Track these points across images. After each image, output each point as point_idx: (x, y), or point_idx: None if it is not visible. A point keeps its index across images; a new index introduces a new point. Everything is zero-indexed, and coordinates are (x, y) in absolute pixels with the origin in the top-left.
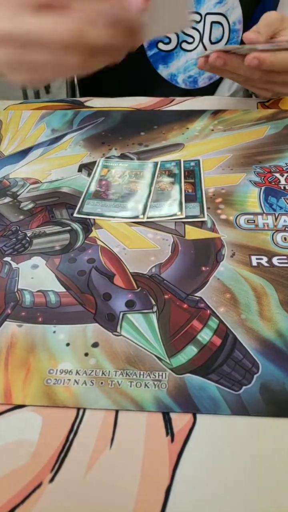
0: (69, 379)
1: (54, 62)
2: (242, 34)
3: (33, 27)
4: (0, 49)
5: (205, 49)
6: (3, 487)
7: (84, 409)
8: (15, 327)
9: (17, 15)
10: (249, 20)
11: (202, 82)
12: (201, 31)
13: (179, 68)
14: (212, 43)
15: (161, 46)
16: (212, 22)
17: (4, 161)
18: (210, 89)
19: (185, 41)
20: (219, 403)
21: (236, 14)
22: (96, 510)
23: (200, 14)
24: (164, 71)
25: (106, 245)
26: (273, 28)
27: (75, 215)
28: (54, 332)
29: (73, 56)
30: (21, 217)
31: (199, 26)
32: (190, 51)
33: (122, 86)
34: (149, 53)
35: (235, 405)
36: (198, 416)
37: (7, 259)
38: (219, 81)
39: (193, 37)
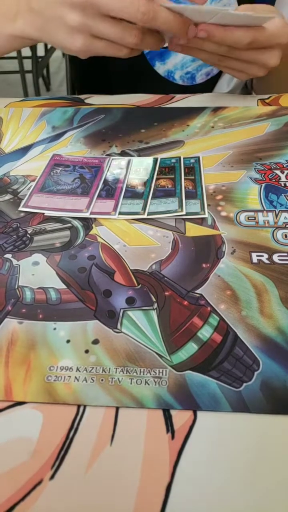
0: (70, 376)
1: (117, 37)
2: None
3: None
4: (75, 12)
5: None
6: (4, 484)
7: (85, 406)
8: (15, 324)
9: None
10: None
11: (200, 78)
12: None
13: (176, 65)
14: None
15: None
16: None
17: (4, 158)
18: (208, 85)
19: None
20: (220, 400)
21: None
22: (97, 507)
23: None
24: (160, 68)
25: (107, 242)
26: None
27: (77, 214)
28: (55, 329)
29: (131, 35)
30: (22, 214)
31: None
32: None
33: (118, 83)
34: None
35: (235, 402)
36: (199, 413)
37: (8, 256)
38: (218, 76)
39: None
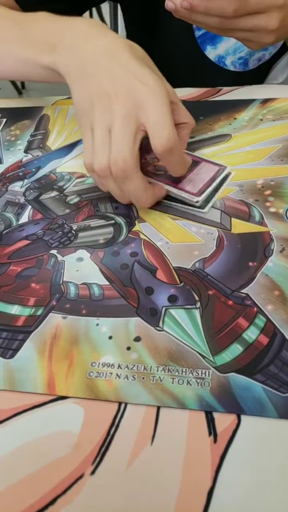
0: (111, 373)
1: None
2: None
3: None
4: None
5: None
6: (46, 476)
7: (126, 404)
8: (60, 319)
9: None
10: None
11: (252, 63)
12: None
13: (228, 49)
14: None
15: None
16: None
17: (51, 156)
18: (262, 71)
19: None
20: (265, 405)
21: None
22: (136, 506)
23: None
24: (211, 53)
25: (149, 239)
26: None
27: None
28: (97, 324)
29: None
30: (67, 210)
31: None
32: None
33: (169, 70)
34: (197, 33)
35: (282, 408)
36: (243, 417)
37: (53, 252)
38: (272, 62)
39: None
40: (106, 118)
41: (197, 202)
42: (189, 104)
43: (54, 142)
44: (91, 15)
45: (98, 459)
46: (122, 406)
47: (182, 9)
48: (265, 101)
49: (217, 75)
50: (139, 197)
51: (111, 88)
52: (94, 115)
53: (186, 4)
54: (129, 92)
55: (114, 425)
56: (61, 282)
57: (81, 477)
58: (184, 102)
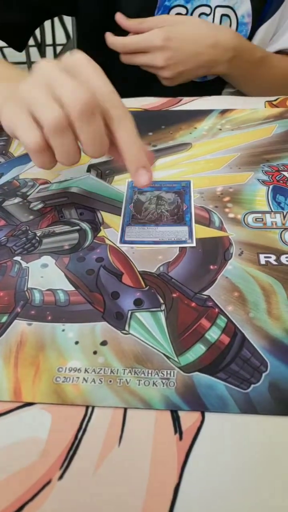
0: (78, 377)
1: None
2: (251, 28)
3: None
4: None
5: None
6: (13, 484)
7: (93, 407)
8: (24, 325)
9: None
10: (258, 13)
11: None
12: None
13: None
14: None
15: None
16: (222, 15)
17: (14, 162)
18: (221, 81)
19: None
20: (228, 402)
21: (244, 7)
22: (105, 507)
23: (210, 7)
24: None
25: (115, 244)
26: (148, 24)
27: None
28: (63, 330)
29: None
30: (31, 217)
31: (209, 19)
32: None
33: (130, 79)
34: None
35: (243, 404)
36: (207, 414)
37: (17, 258)
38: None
39: None
40: (40, 89)
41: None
42: (150, 113)
43: (17, 148)
44: (53, 26)
45: (65, 463)
46: (90, 409)
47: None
48: (224, 112)
49: (178, 85)
50: (103, 136)
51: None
52: (24, 97)
53: (111, 39)
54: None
55: (82, 429)
56: (25, 289)
57: (49, 482)
58: (146, 111)
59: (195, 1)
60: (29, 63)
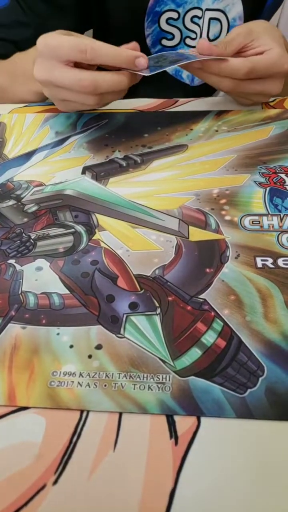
0: (73, 381)
1: (77, 100)
2: None
3: (61, 78)
4: (44, 88)
5: None
6: (7, 489)
7: (88, 412)
8: (19, 329)
9: (52, 68)
10: (251, 16)
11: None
12: (201, 27)
13: None
14: (210, 40)
15: (164, 42)
16: (210, 19)
17: (8, 164)
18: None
19: (188, 36)
20: (224, 406)
21: (236, 10)
22: None
23: (202, 9)
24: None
25: (110, 247)
26: (237, 42)
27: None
28: (58, 334)
29: (89, 98)
30: (25, 219)
31: (200, 22)
32: (194, 46)
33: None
34: (153, 50)
35: (239, 408)
36: (202, 419)
37: (11, 261)
38: None
39: (196, 33)
40: None
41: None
42: (147, 114)
43: (11, 150)
44: None
45: (60, 468)
46: (84, 414)
47: (198, 72)
48: (220, 113)
49: (174, 87)
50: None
51: None
52: None
53: (198, 64)
54: None
55: (76, 433)
56: (19, 292)
57: (43, 487)
58: (142, 113)
59: (187, 5)
60: None
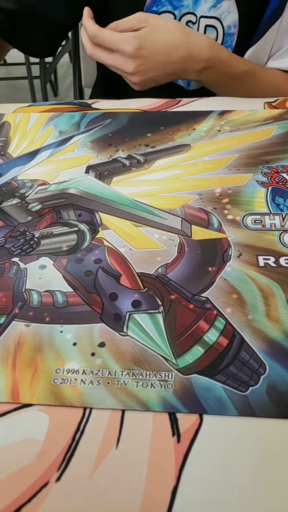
0: (76, 379)
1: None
2: (237, 38)
3: None
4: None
5: None
6: (10, 485)
7: (91, 409)
8: (22, 326)
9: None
10: (246, 24)
11: (194, 85)
12: None
13: None
14: None
15: None
16: (207, 26)
17: (12, 163)
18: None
19: None
20: (226, 404)
21: (231, 18)
22: (102, 509)
23: (196, 15)
24: None
25: (113, 246)
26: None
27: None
28: (61, 332)
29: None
30: (29, 218)
31: (194, 28)
32: None
33: (126, 88)
34: None
35: (241, 406)
36: (205, 416)
37: (15, 259)
38: None
39: None
40: None
41: None
42: (150, 114)
43: (16, 149)
44: None
45: (63, 465)
46: (87, 411)
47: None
48: (222, 113)
49: (169, 92)
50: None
51: None
52: None
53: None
54: None
55: (79, 430)
56: (23, 290)
57: (46, 484)
58: (145, 112)
59: (183, 8)
60: (28, 64)
